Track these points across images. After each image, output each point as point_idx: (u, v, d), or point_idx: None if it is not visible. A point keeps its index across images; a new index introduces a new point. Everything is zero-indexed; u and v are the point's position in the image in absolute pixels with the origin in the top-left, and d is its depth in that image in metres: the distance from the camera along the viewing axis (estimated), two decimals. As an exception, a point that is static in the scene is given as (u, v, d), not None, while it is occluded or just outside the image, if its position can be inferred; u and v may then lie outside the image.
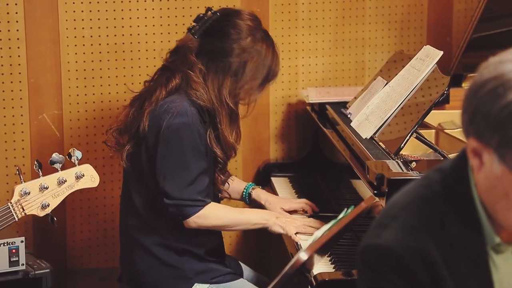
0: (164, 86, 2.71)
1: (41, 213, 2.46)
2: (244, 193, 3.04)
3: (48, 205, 2.45)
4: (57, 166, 2.46)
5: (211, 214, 2.69)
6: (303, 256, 2.11)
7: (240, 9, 2.87)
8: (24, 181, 2.44)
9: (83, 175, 2.50)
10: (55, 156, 2.46)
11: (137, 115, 2.73)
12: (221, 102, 2.71)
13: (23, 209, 2.43)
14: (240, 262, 3.02)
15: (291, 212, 2.97)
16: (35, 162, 2.45)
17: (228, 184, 3.00)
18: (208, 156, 2.72)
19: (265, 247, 3.68)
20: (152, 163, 2.69)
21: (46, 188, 2.45)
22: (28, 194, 2.43)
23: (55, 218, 2.46)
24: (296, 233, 2.74)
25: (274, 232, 2.76)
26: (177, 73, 2.72)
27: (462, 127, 1.53)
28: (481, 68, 1.50)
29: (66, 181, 2.47)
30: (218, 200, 2.89)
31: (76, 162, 2.49)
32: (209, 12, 2.78)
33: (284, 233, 2.75)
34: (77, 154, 2.48)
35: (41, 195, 2.45)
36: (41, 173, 2.45)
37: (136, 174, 2.77)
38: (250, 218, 2.77)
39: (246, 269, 3.02)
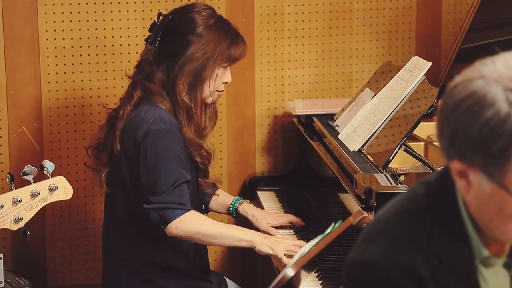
0: (128, 101, 2.73)
1: (14, 227, 2.40)
2: (231, 208, 2.99)
3: (22, 219, 2.40)
4: (30, 178, 2.41)
5: (194, 220, 2.60)
6: (289, 272, 2.11)
7: (191, 3, 2.82)
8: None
9: (57, 188, 2.45)
10: (27, 168, 2.41)
11: (110, 134, 2.73)
12: (178, 102, 2.67)
13: None
14: (225, 278, 2.98)
15: (279, 227, 2.92)
16: (8, 175, 2.40)
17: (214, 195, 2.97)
18: (188, 166, 2.67)
19: (251, 262, 3.64)
20: (135, 177, 2.65)
21: (20, 201, 2.39)
22: (1, 208, 2.37)
23: (28, 232, 2.40)
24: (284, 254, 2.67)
25: (262, 252, 2.66)
26: (137, 86, 2.73)
27: (442, 151, 1.51)
28: (449, 89, 1.49)
29: (39, 193, 2.42)
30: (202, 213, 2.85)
31: (49, 174, 2.44)
32: (161, 17, 2.76)
33: (273, 253, 2.65)
34: (49, 165, 2.43)
35: (14, 209, 2.39)
36: (13, 186, 2.40)
37: (118, 190, 2.73)
38: (236, 233, 2.68)
39: (231, 285, 2.98)
